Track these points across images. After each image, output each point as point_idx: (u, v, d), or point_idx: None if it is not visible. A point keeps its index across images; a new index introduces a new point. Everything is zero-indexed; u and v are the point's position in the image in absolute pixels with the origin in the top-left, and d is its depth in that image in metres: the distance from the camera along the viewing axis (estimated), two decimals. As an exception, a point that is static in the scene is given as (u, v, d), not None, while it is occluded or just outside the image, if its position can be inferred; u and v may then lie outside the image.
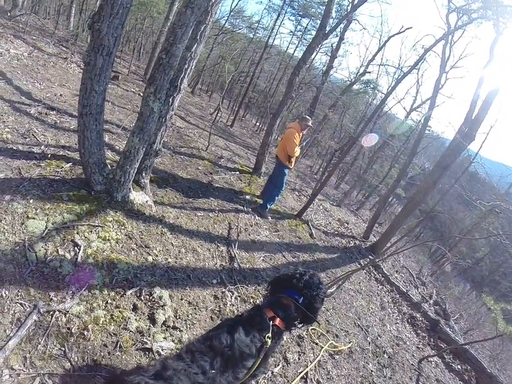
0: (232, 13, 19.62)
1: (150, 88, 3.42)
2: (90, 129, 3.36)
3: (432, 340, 6.22)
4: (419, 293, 8.78)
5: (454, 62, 12.13)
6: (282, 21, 20.05)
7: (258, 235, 5.37)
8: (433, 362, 5.45)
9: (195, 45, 3.67)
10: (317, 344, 3.77)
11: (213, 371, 1.64)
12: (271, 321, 1.96)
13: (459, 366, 5.91)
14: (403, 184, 19.41)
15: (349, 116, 21.55)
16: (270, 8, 20.41)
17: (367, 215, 15.45)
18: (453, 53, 10.31)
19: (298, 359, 3.38)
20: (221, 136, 11.17)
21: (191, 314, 3.09)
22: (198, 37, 3.64)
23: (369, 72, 15.42)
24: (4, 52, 7.02)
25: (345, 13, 11.57)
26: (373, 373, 4.08)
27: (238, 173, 7.45)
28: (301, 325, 2.28)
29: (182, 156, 6.69)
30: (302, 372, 3.23)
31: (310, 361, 3.43)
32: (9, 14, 10.55)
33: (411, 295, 7.31)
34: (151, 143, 4.00)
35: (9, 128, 4.25)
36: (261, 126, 22.42)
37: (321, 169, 18.09)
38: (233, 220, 5.28)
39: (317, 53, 19.60)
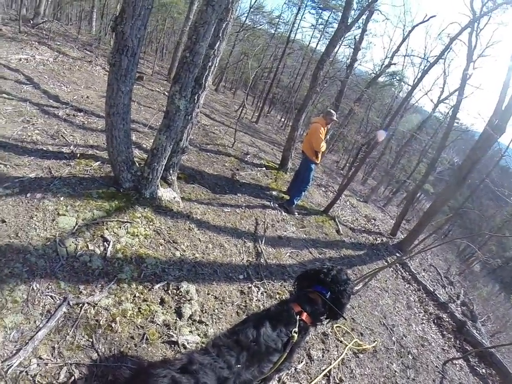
0: (252, 9, 19.48)
1: (176, 87, 3.49)
2: (118, 129, 3.46)
3: (458, 341, 6.06)
4: (446, 292, 8.57)
5: (481, 50, 11.73)
6: (303, 14, 19.85)
7: (285, 231, 5.40)
8: (457, 365, 5.32)
9: (218, 43, 3.70)
10: (341, 342, 3.78)
11: (238, 366, 1.65)
12: (298, 316, 1.96)
13: (483, 370, 5.74)
14: (431, 179, 18.88)
15: (375, 109, 21.08)
16: (290, 2, 20.25)
17: (394, 211, 15.17)
18: (479, 41, 9.93)
19: (322, 356, 3.41)
20: (246, 133, 11.21)
21: (217, 308, 3.16)
22: (220, 35, 3.67)
23: (394, 64, 15.07)
24: (30, 58, 7.27)
25: (367, 3, 11.26)
26: (396, 373, 4.03)
27: (264, 169, 7.49)
28: (327, 321, 2.27)
29: (208, 153, 6.78)
30: (325, 369, 3.25)
31: (334, 359, 3.44)
32: (32, 22, 10.86)
33: (438, 295, 7.13)
34: (177, 141, 4.07)
35: (38, 130, 4.43)
36: (286, 121, 22.28)
37: (347, 164, 17.83)
38: (260, 215, 5.33)
39: (340, 46, 19.33)
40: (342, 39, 8.28)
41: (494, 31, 13.93)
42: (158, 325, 2.64)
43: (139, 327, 2.54)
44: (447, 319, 6.51)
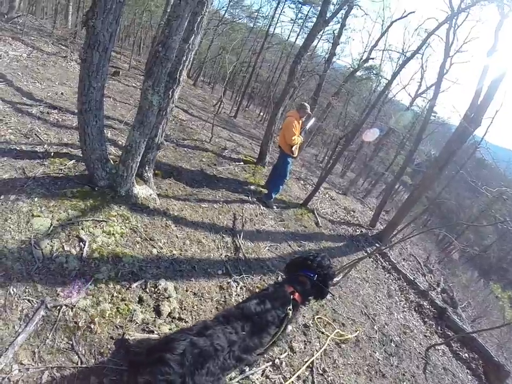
0: (231, 3, 19.42)
1: (148, 82, 3.38)
2: (90, 126, 3.34)
3: (439, 328, 6.21)
4: (426, 280, 8.73)
5: (458, 46, 11.86)
6: (282, 9, 19.84)
7: (264, 225, 5.35)
8: (440, 351, 5.43)
9: (192, 36, 3.61)
10: (323, 333, 3.76)
11: (243, 333, 1.98)
12: (291, 296, 2.30)
13: (466, 355, 5.89)
14: (409, 171, 19.27)
15: (353, 103, 21.28)
16: (269, -5, 20.09)
17: (373, 203, 15.34)
18: (456, 37, 10.02)
19: (304, 348, 3.38)
20: (225, 128, 11.09)
21: (196, 305, 3.10)
22: (194, 28, 3.58)
23: (373, 59, 15.14)
24: (3, 54, 6.97)
25: (346, -2, 11.28)
26: (379, 361, 4.06)
27: (242, 163, 7.42)
28: (314, 300, 2.68)
29: (185, 148, 6.65)
30: (308, 360, 3.23)
31: (316, 350, 3.43)
32: (6, 17, 10.44)
33: (418, 283, 7.25)
34: (152, 137, 3.97)
35: (11, 129, 4.24)
36: (264, 116, 22.27)
37: (326, 157, 17.98)
38: (238, 210, 5.26)
39: (318, 41, 19.53)
40: (320, 33, 8.24)
41: (471, 27, 14.21)
42: (137, 324, 2.58)
43: (118, 327, 2.49)
44: (428, 306, 6.64)
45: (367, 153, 18.69)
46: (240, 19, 22.63)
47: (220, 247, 4.13)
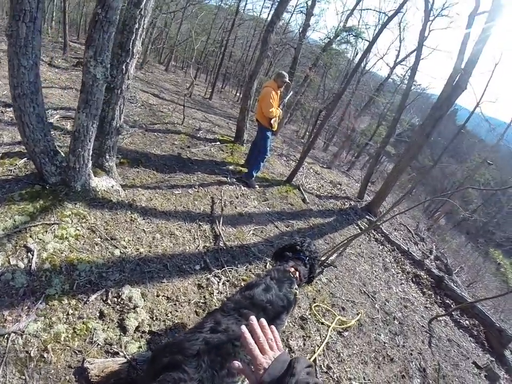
0: None
1: (89, 52, 2.84)
2: (28, 113, 2.82)
3: (438, 297, 6.03)
4: (419, 249, 8.52)
5: (438, 11, 11.74)
6: None
7: (246, 207, 4.88)
8: (442, 322, 5.24)
9: (144, 0, 3.10)
10: (323, 323, 3.36)
11: None
12: (294, 276, 2.28)
13: (467, 322, 5.77)
14: (392, 141, 19.03)
15: (331, 76, 20.76)
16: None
17: (358, 175, 15.07)
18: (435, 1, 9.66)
19: (304, 344, 2.97)
20: (199, 109, 10.54)
21: (170, 312, 2.63)
22: None
23: (349, 27, 14.57)
24: None
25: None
26: (386, 344, 3.74)
27: (218, 143, 6.89)
28: (306, 284, 2.70)
29: (155, 133, 6.13)
30: (309, 359, 2.81)
31: (317, 345, 3.02)
32: None
33: (412, 253, 6.99)
34: (109, 120, 3.48)
35: None
36: (241, 95, 21.52)
37: (307, 133, 17.50)
38: (216, 193, 4.78)
39: (292, 14, 18.83)
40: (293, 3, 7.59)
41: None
42: (99, 346, 2.17)
43: (77, 352, 2.08)
44: (425, 276, 6.43)
45: (348, 125, 18.34)
46: (208, -1, 21.54)
47: (196, 237, 3.64)
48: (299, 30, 15.34)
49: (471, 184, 20.09)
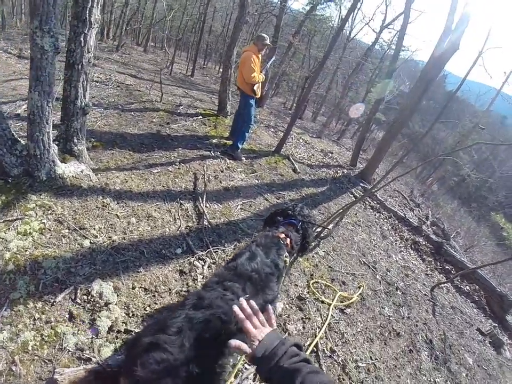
0: None
1: (34, 22, 2.48)
2: None
3: (438, 263, 5.93)
4: (415, 215, 8.36)
5: None
6: None
7: (232, 180, 4.54)
8: (444, 288, 5.12)
9: None
10: (323, 302, 3.07)
11: (246, 295, 1.59)
12: (284, 242, 2.08)
13: (468, 287, 5.71)
14: (381, 108, 18.68)
15: (316, 44, 20.10)
16: None
17: (349, 143, 14.80)
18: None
19: (303, 328, 2.67)
20: (180, 86, 10.04)
21: (149, 305, 2.30)
22: None
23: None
24: None
25: None
26: (390, 318, 3.52)
27: (200, 117, 6.47)
28: (300, 254, 2.50)
29: (132, 113, 5.72)
30: (310, 344, 2.53)
31: (319, 327, 2.73)
32: None
33: (409, 219, 6.80)
34: (72, 100, 3.09)
35: None
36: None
37: (294, 104, 17.04)
38: (199, 168, 4.41)
39: None
40: None
41: None
42: (70, 352, 1.90)
43: (46, 361, 1.83)
44: (423, 243, 6.31)
45: (336, 94, 17.86)
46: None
47: (177, 217, 3.29)
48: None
49: (463, 150, 19.99)
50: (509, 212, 23.40)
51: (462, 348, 3.88)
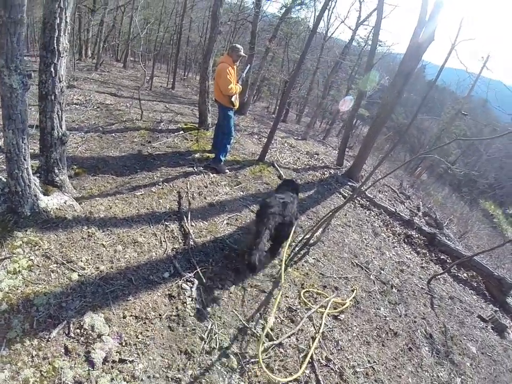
0: None
1: (0, 61, 2.48)
2: None
3: (433, 254, 5.87)
4: (406, 207, 8.36)
5: None
6: None
7: (217, 195, 4.52)
8: (441, 279, 5.08)
9: None
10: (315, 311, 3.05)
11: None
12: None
13: (465, 275, 5.70)
14: (364, 103, 18.82)
15: (294, 46, 20.21)
16: None
17: (335, 142, 14.78)
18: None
19: (297, 340, 2.66)
20: (161, 101, 10.04)
21: (141, 333, 2.31)
22: None
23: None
24: None
25: None
26: (387, 318, 3.51)
27: (182, 132, 6.46)
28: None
29: (113, 134, 5.71)
30: (306, 355, 2.52)
31: (312, 338, 2.72)
32: None
33: (400, 213, 6.77)
34: (49, 131, 3.14)
35: None
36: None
37: (277, 107, 17.09)
38: (182, 186, 4.40)
39: None
40: None
41: None
42: None
43: None
44: (416, 235, 6.25)
45: (318, 94, 17.94)
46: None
47: (163, 240, 3.28)
48: (254, 2, 14.78)
49: (448, 136, 20.21)
50: (499, 192, 23.70)
51: (464, 338, 3.88)
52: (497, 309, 5.01)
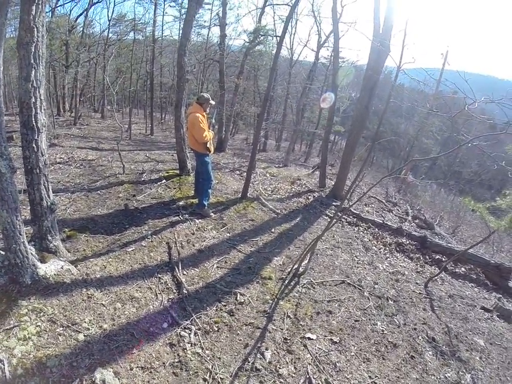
0: (112, 22, 18.25)
1: None
2: None
3: (427, 257, 5.93)
4: (395, 215, 8.49)
5: None
6: (164, 10, 19.48)
7: (204, 240, 4.67)
8: (438, 280, 5.11)
9: (33, 72, 3.01)
10: (309, 339, 3.17)
11: None
12: None
13: (463, 269, 5.73)
14: (339, 120, 19.34)
15: (263, 77, 20.93)
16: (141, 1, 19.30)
17: (317, 162, 15.02)
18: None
19: (295, 368, 2.77)
20: (142, 149, 10.27)
21: (148, 382, 2.46)
22: (32, 61, 2.98)
23: (264, 26, 14.71)
24: None
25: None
26: (384, 331, 3.56)
27: (164, 181, 6.66)
28: None
29: (98, 191, 5.89)
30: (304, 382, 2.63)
31: (309, 363, 2.83)
32: None
33: (388, 223, 6.89)
34: (38, 202, 3.35)
35: None
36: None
37: (255, 138, 17.55)
38: (170, 237, 4.55)
39: (209, 28, 19.40)
40: (195, 17, 7.43)
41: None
42: None
43: None
44: (407, 242, 6.32)
45: (292, 118, 18.49)
46: (126, 34, 21.26)
47: (158, 292, 3.43)
48: (217, 42, 15.45)
49: (426, 135, 20.73)
50: (486, 177, 24.05)
51: (470, 333, 3.87)
52: (501, 295, 5.01)
